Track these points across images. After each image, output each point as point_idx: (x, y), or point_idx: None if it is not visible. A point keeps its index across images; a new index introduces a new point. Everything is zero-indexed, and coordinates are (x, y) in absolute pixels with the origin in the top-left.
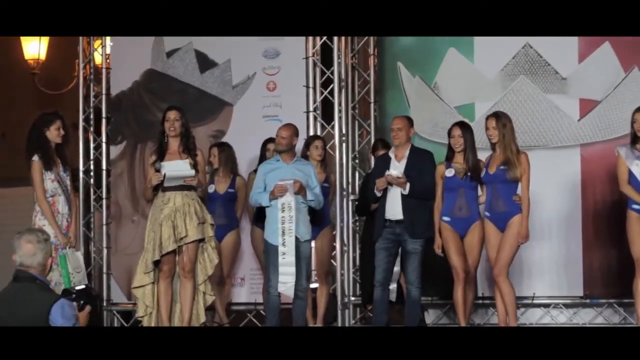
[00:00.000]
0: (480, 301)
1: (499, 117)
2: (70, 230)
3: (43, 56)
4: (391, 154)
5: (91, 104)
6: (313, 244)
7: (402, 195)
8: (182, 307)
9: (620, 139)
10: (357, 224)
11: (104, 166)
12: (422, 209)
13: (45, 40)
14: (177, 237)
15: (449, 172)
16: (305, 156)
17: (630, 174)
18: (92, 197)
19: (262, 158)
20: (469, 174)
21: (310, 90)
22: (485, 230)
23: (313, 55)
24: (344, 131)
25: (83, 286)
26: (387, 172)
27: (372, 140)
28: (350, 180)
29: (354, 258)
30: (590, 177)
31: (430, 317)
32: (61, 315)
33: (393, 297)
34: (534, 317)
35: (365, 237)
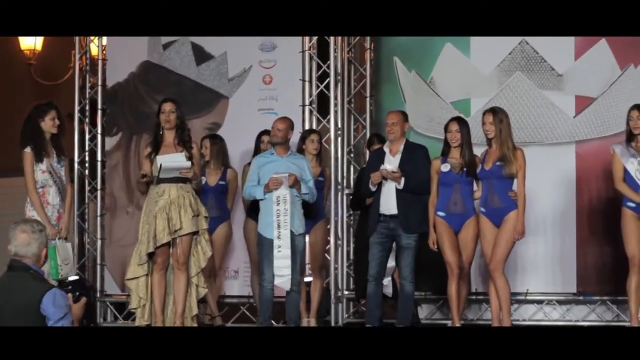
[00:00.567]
0: (474, 297)
1: (496, 113)
2: (61, 222)
3: (39, 47)
4: (386, 149)
5: (87, 95)
6: (307, 237)
7: (397, 190)
8: (175, 300)
9: (616, 136)
10: (352, 218)
11: (99, 157)
12: (417, 203)
13: None
14: (172, 229)
15: (445, 167)
16: (300, 150)
17: (626, 171)
18: (87, 188)
19: (257, 150)
20: (464, 169)
21: (306, 84)
22: (480, 225)
23: (309, 49)
24: (339, 125)
25: (77, 277)
26: (381, 167)
27: (368, 135)
28: (345, 174)
29: (348, 252)
30: (585, 174)
31: (424, 312)
32: (52, 304)
33: (389, 292)
34: (527, 313)
35: (359, 232)
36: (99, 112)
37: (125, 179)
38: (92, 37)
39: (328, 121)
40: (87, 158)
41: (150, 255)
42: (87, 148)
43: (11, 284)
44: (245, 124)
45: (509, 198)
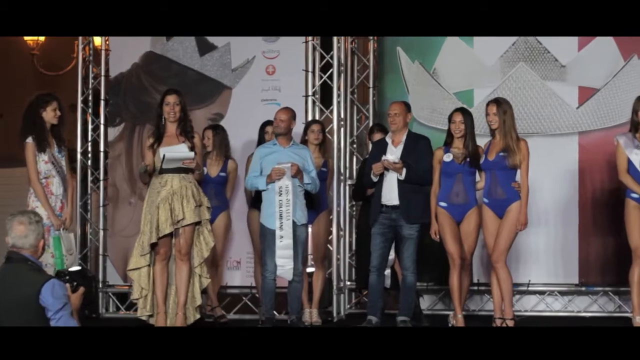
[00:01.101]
0: (476, 287)
1: (500, 104)
2: (64, 212)
3: (42, 37)
4: (388, 139)
5: (90, 86)
6: (310, 228)
7: (399, 180)
8: (177, 290)
9: (619, 127)
10: (354, 208)
11: (101, 148)
12: (418, 194)
13: None
14: (174, 219)
15: (447, 157)
16: (304, 140)
17: (630, 162)
18: (90, 178)
19: (260, 141)
20: (467, 159)
21: (310, 75)
22: (483, 216)
23: (313, 40)
24: (342, 116)
25: (78, 268)
26: (383, 157)
27: (370, 126)
28: (347, 165)
29: (350, 243)
30: (588, 165)
31: (426, 303)
32: (51, 294)
33: (387, 283)
34: (529, 304)
35: (361, 222)
36: (102, 103)
37: (128, 170)
38: None
39: (331, 112)
40: (89, 148)
41: (153, 246)
42: (89, 138)
43: (9, 275)
44: (248, 115)
45: (512, 189)
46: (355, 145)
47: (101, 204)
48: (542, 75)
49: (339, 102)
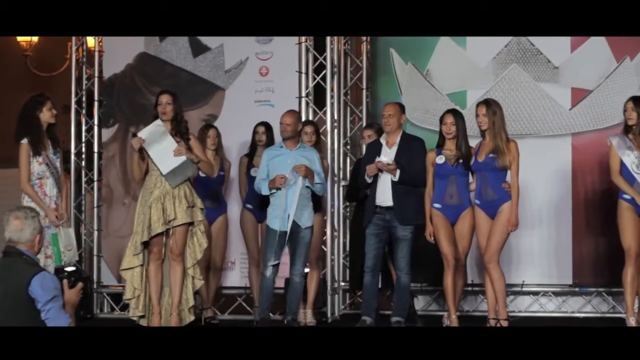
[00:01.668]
0: (470, 288)
1: (489, 105)
2: (60, 208)
3: (35, 38)
4: (382, 141)
5: (83, 87)
6: None
7: (392, 181)
8: (171, 291)
9: (611, 129)
10: (348, 209)
11: (95, 149)
12: (412, 195)
13: None
14: (166, 219)
15: (440, 159)
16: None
17: (622, 164)
18: (84, 179)
19: (254, 142)
20: (460, 161)
21: (303, 76)
22: (475, 217)
23: (306, 41)
24: (335, 117)
25: (74, 268)
26: (377, 159)
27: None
28: (341, 166)
29: (344, 244)
30: (580, 166)
31: (420, 304)
32: (40, 286)
33: (378, 283)
34: (523, 305)
35: (354, 223)
36: (96, 104)
37: (121, 171)
38: None
39: (324, 113)
40: (83, 149)
41: (146, 245)
42: (83, 139)
43: (3, 268)
44: (242, 116)
45: (502, 190)
46: (349, 147)
47: (95, 204)
48: (535, 77)
49: (332, 104)
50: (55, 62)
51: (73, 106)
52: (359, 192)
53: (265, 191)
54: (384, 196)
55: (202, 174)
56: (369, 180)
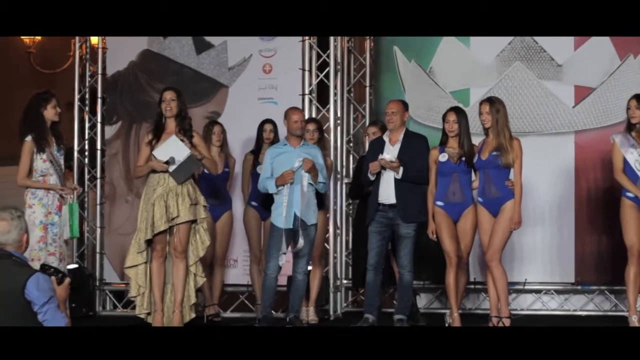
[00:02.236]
0: (472, 286)
1: (493, 103)
2: (71, 184)
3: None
4: (385, 138)
5: (87, 84)
6: None
7: (395, 179)
8: (174, 288)
9: (615, 127)
10: (351, 207)
11: (98, 146)
12: (415, 193)
13: None
14: (169, 217)
15: (443, 157)
16: None
17: (625, 162)
18: (87, 176)
19: (259, 139)
20: (463, 159)
21: (306, 73)
22: (478, 215)
23: (309, 39)
24: (339, 114)
25: (76, 265)
26: (380, 156)
27: (367, 124)
28: (344, 163)
29: (347, 241)
30: (584, 164)
31: (422, 301)
32: (36, 288)
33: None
34: (525, 303)
35: (357, 221)
36: (99, 101)
37: (124, 168)
38: None
39: (328, 110)
40: (86, 147)
41: (149, 243)
42: (86, 137)
43: None
44: (245, 113)
45: (505, 188)
46: (351, 144)
47: (98, 202)
48: (538, 75)
49: (335, 101)
50: (58, 59)
51: (76, 103)
52: (362, 189)
53: (272, 189)
54: (387, 194)
55: (206, 171)
56: (372, 178)
